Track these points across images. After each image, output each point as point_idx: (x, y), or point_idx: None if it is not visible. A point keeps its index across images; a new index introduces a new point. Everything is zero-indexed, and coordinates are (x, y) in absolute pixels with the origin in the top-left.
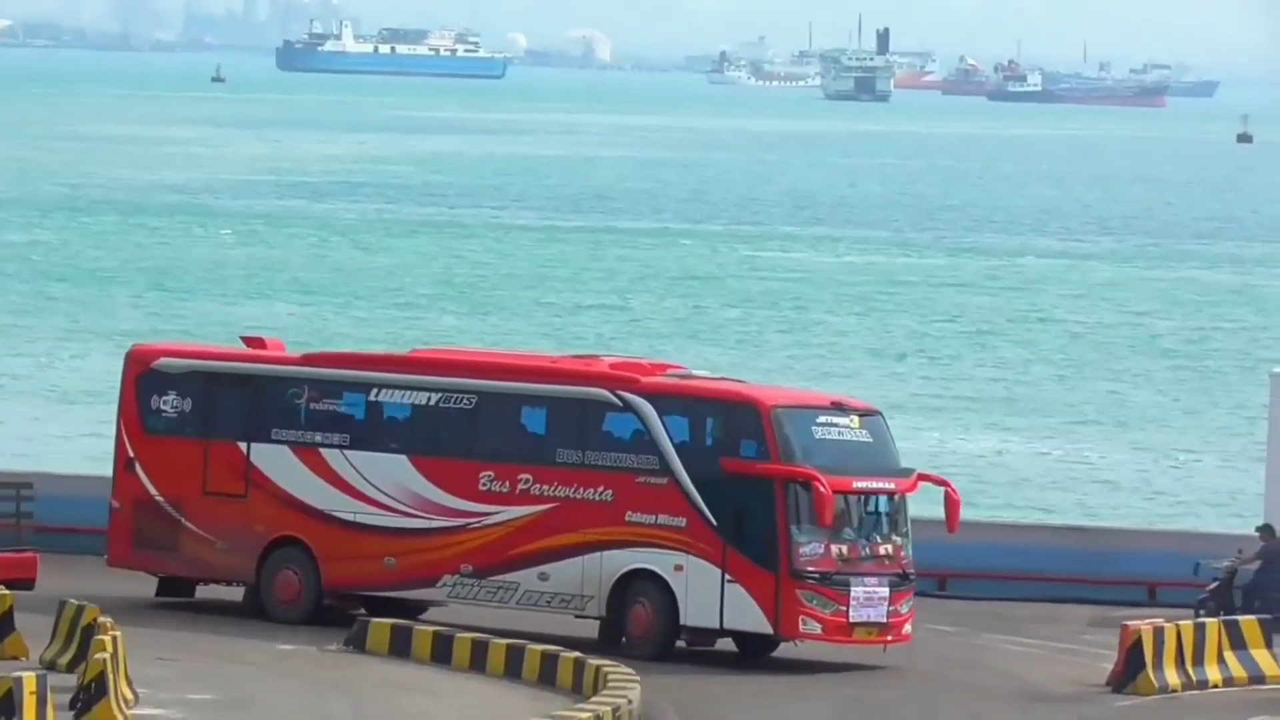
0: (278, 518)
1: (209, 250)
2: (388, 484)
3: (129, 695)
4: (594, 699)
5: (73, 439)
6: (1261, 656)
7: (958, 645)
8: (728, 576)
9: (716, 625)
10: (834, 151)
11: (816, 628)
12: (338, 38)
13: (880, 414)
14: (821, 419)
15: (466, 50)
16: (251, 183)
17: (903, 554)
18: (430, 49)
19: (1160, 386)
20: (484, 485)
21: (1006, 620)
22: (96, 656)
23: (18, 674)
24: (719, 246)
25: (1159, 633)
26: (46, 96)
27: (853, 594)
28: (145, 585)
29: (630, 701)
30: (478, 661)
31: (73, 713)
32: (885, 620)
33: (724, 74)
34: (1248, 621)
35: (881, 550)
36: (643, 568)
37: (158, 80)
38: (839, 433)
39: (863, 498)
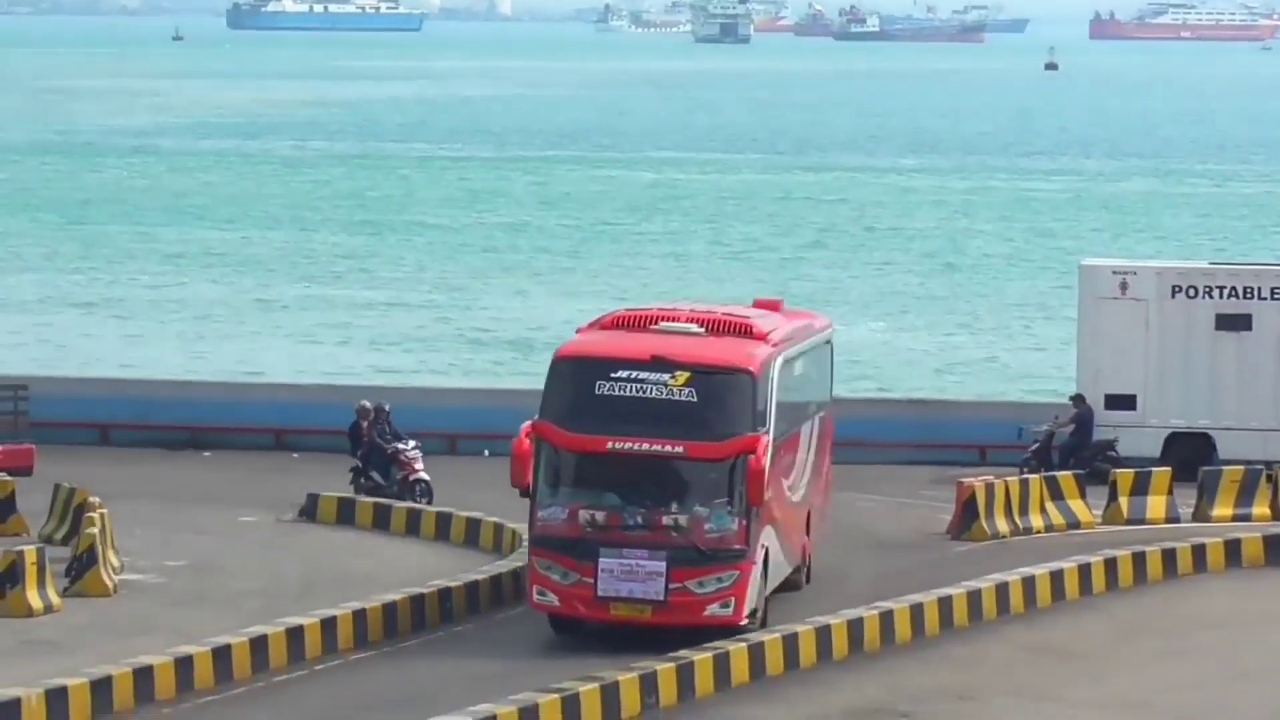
0: None
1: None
2: None
3: (115, 563)
4: (511, 555)
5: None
6: (1077, 506)
7: None
8: None
9: None
10: (696, 87)
11: (553, 599)
12: None
13: (740, 373)
14: (618, 373)
15: (388, 7)
16: (226, 124)
17: (705, 526)
18: (357, 7)
19: (987, 280)
20: None
21: (859, 480)
22: (87, 531)
23: (20, 548)
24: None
25: (990, 488)
26: (34, 57)
27: (601, 565)
28: (123, 468)
29: None
30: (412, 527)
31: (68, 579)
32: (662, 598)
33: (608, 23)
34: (1065, 477)
35: (664, 520)
36: None
37: (128, 41)
38: (638, 389)
39: (639, 461)
